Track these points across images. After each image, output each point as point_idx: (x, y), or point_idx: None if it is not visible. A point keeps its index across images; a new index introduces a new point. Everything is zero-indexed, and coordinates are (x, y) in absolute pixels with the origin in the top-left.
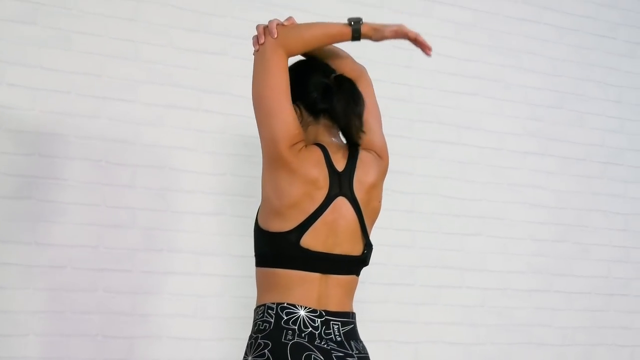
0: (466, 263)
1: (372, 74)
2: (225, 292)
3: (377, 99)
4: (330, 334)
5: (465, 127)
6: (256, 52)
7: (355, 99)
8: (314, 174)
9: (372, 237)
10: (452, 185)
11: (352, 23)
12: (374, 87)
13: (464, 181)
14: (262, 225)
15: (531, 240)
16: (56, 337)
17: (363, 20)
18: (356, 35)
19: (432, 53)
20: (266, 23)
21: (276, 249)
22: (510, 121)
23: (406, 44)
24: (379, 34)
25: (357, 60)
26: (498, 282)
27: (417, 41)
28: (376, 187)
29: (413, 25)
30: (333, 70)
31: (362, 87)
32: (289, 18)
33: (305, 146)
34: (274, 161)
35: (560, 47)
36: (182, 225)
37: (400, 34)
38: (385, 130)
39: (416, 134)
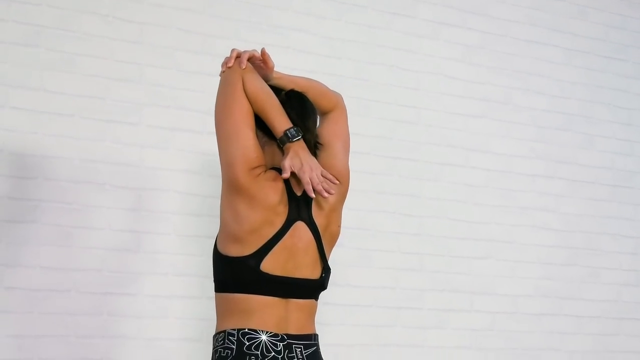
0: (474, 287)
1: (379, 96)
2: None
3: (384, 121)
4: (293, 357)
5: (473, 150)
6: (222, 74)
7: (303, 113)
8: (274, 200)
9: (380, 260)
10: (460, 208)
11: (295, 133)
12: (377, 110)
13: (472, 204)
14: (221, 250)
15: (540, 264)
16: None
17: (299, 139)
18: (284, 140)
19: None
20: (250, 49)
21: (236, 273)
22: (518, 143)
23: (413, 66)
24: (299, 155)
25: (365, 83)
26: (507, 305)
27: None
28: (335, 211)
29: (421, 48)
30: (282, 89)
31: (336, 115)
32: (264, 53)
33: (265, 171)
34: (233, 186)
35: (569, 69)
36: (187, 249)
37: (299, 172)
38: (392, 153)
39: (423, 156)
